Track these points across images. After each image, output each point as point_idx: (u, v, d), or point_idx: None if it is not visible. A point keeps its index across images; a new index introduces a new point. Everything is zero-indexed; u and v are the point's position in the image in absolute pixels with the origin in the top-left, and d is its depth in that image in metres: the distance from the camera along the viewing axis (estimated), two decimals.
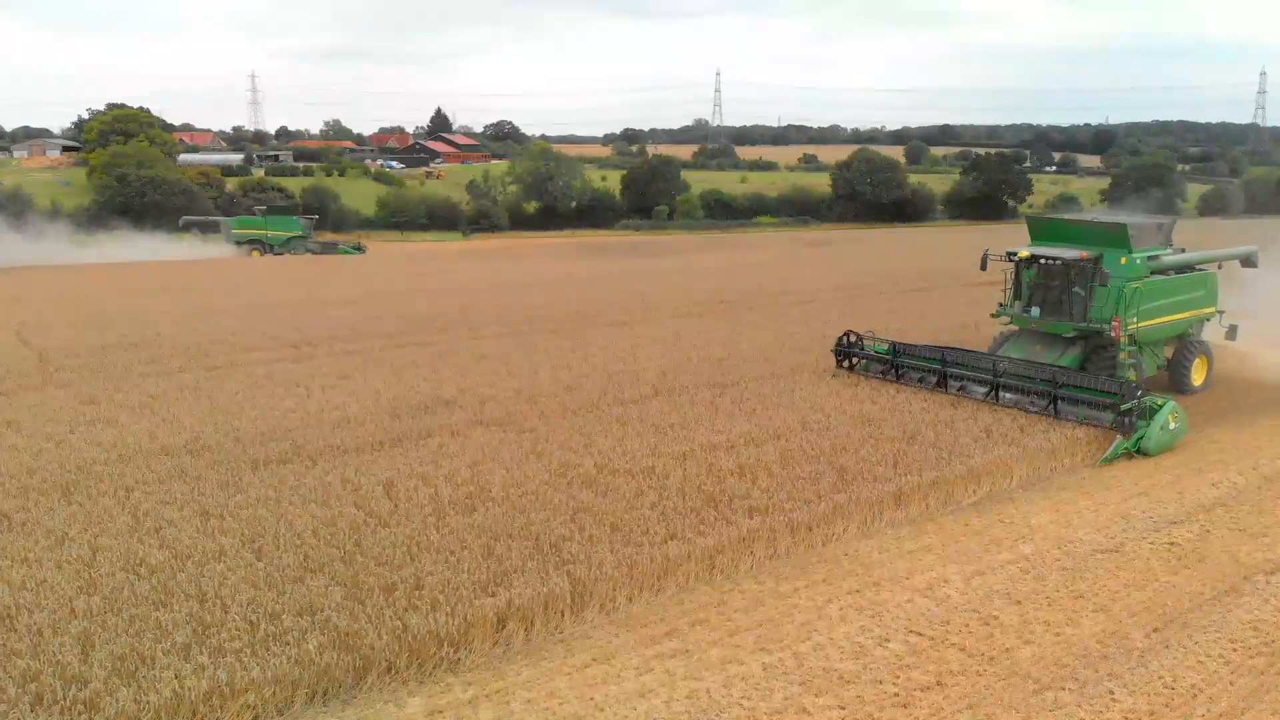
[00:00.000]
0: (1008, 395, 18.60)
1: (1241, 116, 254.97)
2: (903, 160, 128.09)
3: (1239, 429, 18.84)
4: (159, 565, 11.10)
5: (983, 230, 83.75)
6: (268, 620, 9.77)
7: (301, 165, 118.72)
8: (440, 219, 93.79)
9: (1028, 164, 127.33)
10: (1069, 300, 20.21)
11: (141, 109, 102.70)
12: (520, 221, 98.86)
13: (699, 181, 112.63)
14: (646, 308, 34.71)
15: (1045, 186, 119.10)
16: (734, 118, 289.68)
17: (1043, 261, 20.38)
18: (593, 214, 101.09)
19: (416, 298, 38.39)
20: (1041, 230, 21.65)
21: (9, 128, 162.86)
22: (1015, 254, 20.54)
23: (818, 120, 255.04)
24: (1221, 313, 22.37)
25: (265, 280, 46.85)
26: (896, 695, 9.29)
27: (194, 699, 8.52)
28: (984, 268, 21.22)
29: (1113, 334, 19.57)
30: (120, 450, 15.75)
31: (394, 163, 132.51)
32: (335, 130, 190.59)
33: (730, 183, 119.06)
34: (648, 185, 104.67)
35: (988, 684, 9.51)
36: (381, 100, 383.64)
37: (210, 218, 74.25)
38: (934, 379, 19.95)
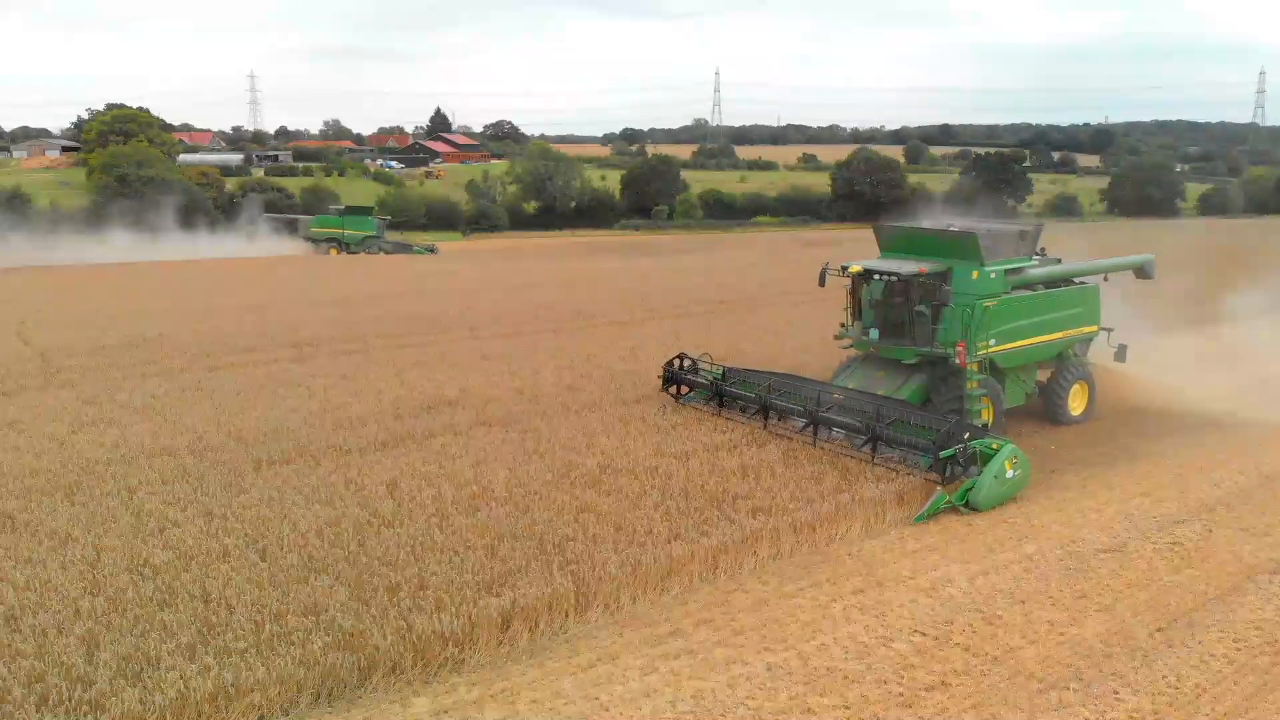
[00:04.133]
0: (837, 432, 16.11)
1: (1241, 116, 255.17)
2: (902, 160, 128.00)
3: (1241, 429, 18.85)
4: (163, 566, 11.11)
5: None
6: (272, 620, 9.78)
7: (301, 165, 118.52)
8: (439, 219, 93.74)
9: (1027, 164, 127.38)
10: (912, 321, 17.46)
11: (141, 109, 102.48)
12: (520, 221, 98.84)
13: (698, 181, 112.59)
14: (647, 307, 34.72)
15: (1045, 186, 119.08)
16: (733, 117, 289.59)
17: (878, 277, 17.81)
18: (592, 214, 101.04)
19: (417, 298, 38.38)
20: (891, 239, 18.90)
21: (9, 128, 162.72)
22: (848, 268, 17.83)
23: (817, 120, 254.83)
24: (1109, 331, 19.73)
25: (268, 280, 46.83)
26: (901, 695, 9.30)
27: (199, 699, 8.54)
28: (822, 283, 18.37)
29: (957, 360, 16.82)
30: (123, 450, 15.74)
31: (393, 162, 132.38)
32: (334, 130, 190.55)
33: (729, 182, 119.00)
34: (647, 185, 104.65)
35: (992, 684, 9.53)
36: (381, 100, 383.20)
37: (289, 216, 75.50)
38: (756, 410, 17.41)
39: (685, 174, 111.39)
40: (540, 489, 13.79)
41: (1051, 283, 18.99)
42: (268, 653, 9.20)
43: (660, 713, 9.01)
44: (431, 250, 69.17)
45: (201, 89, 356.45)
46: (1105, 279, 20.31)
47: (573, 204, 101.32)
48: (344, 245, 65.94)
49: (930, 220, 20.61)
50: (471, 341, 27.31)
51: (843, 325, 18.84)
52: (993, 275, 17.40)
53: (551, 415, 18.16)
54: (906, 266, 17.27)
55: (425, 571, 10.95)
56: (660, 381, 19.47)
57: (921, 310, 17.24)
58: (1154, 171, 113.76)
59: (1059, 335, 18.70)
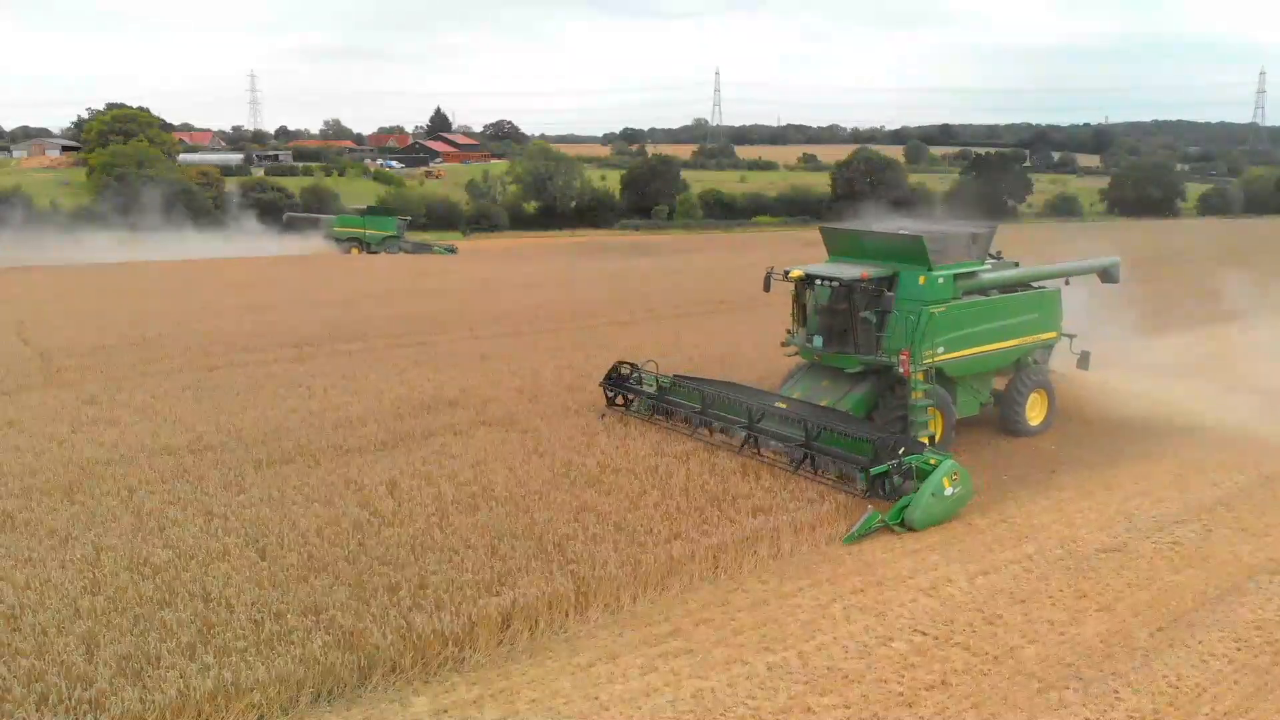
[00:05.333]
0: (776, 443, 15.41)
1: (1241, 116, 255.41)
2: (902, 160, 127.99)
3: (1240, 430, 18.80)
4: (163, 565, 11.11)
5: None
6: (272, 620, 9.79)
7: (301, 165, 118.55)
8: (440, 219, 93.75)
9: (1027, 164, 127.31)
10: (856, 328, 16.59)
11: (141, 109, 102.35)
12: (520, 221, 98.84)
13: (698, 181, 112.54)
14: (647, 307, 34.73)
15: (1045, 186, 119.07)
16: (733, 117, 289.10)
17: (820, 282, 16.95)
18: (592, 214, 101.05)
19: (417, 298, 38.35)
20: (837, 242, 18.10)
21: (9, 128, 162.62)
22: (789, 273, 17.15)
23: (817, 120, 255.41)
24: (1071, 337, 18.97)
25: (269, 280, 46.80)
26: (901, 694, 9.30)
27: (199, 698, 8.54)
28: (767, 289, 17.68)
29: (901, 370, 15.96)
30: (123, 450, 15.75)
31: (393, 162, 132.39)
32: (334, 130, 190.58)
33: (729, 182, 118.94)
34: (647, 185, 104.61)
35: (992, 683, 9.53)
36: (381, 100, 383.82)
37: (311, 215, 76.29)
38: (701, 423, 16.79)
39: (685, 174, 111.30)
40: (540, 489, 13.79)
41: (1009, 287, 18.09)
42: (267, 652, 9.20)
43: (660, 712, 9.01)
44: (451, 251, 69.85)
45: (201, 89, 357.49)
46: (1067, 283, 19.53)
47: (573, 204, 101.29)
48: (365, 245, 66.73)
49: (879, 222, 19.75)
50: (471, 341, 27.30)
51: (789, 332, 18.06)
52: (940, 280, 16.39)
53: (551, 415, 18.16)
54: (848, 271, 16.53)
55: (425, 571, 10.95)
56: (603, 396, 18.67)
57: (866, 317, 16.37)
58: (1154, 171, 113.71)
59: (1014, 342, 17.65)
